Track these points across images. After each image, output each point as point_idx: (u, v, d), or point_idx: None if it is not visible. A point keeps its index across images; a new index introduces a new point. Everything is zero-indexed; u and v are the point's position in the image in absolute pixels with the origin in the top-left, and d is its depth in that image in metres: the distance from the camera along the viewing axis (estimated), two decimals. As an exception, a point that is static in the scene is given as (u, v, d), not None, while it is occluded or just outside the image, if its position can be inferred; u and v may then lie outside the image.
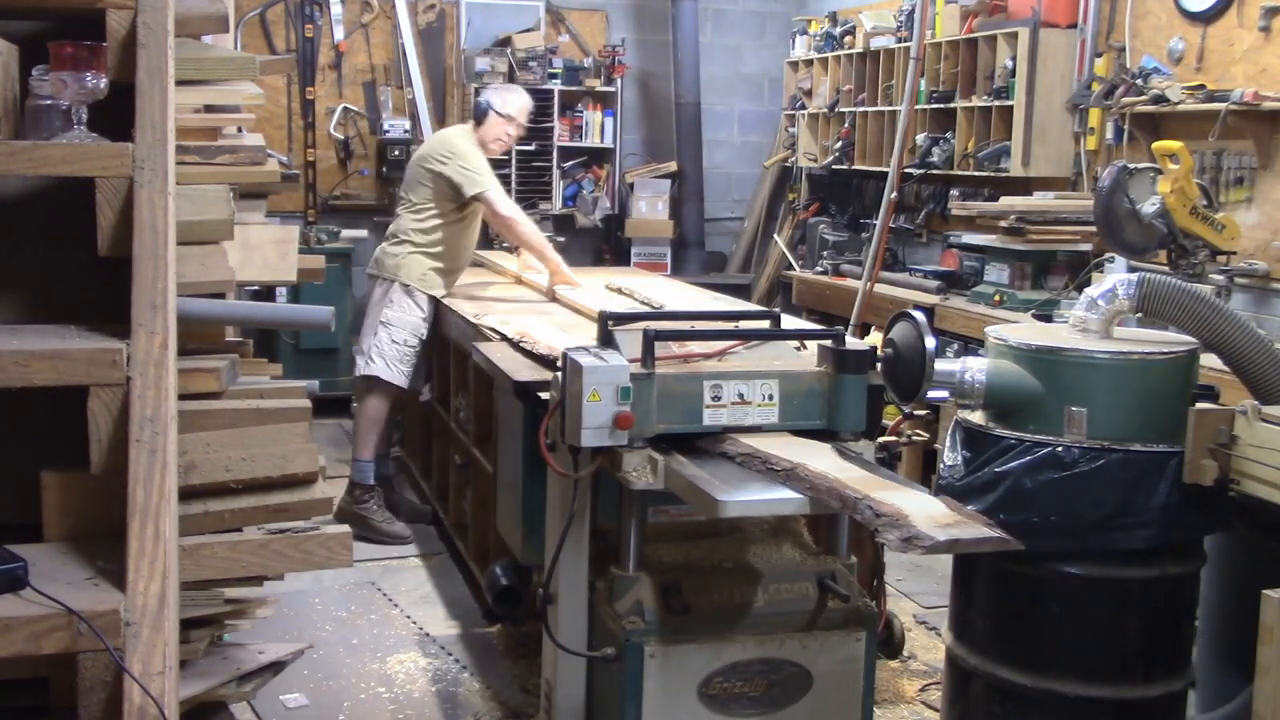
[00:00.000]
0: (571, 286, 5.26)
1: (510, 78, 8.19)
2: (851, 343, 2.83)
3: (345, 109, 8.13)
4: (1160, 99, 5.41)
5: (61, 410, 1.90)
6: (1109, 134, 5.92)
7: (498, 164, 8.10)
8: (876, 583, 3.55)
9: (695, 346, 2.79)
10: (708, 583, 2.74)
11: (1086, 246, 5.81)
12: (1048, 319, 5.22)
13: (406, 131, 7.96)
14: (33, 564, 1.73)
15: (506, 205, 5.22)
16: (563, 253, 5.42)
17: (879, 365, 2.86)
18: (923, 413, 3.68)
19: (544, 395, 3.00)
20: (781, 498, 2.53)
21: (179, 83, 2.21)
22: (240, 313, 2.97)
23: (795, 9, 9.00)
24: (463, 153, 5.17)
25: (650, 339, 2.61)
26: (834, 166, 7.98)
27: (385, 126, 8.06)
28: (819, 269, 7.54)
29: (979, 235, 6.28)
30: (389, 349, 5.18)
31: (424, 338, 5.24)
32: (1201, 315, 2.87)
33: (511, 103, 5.38)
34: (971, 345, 5.50)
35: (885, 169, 6.73)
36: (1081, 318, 2.99)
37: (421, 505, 5.66)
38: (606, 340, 2.75)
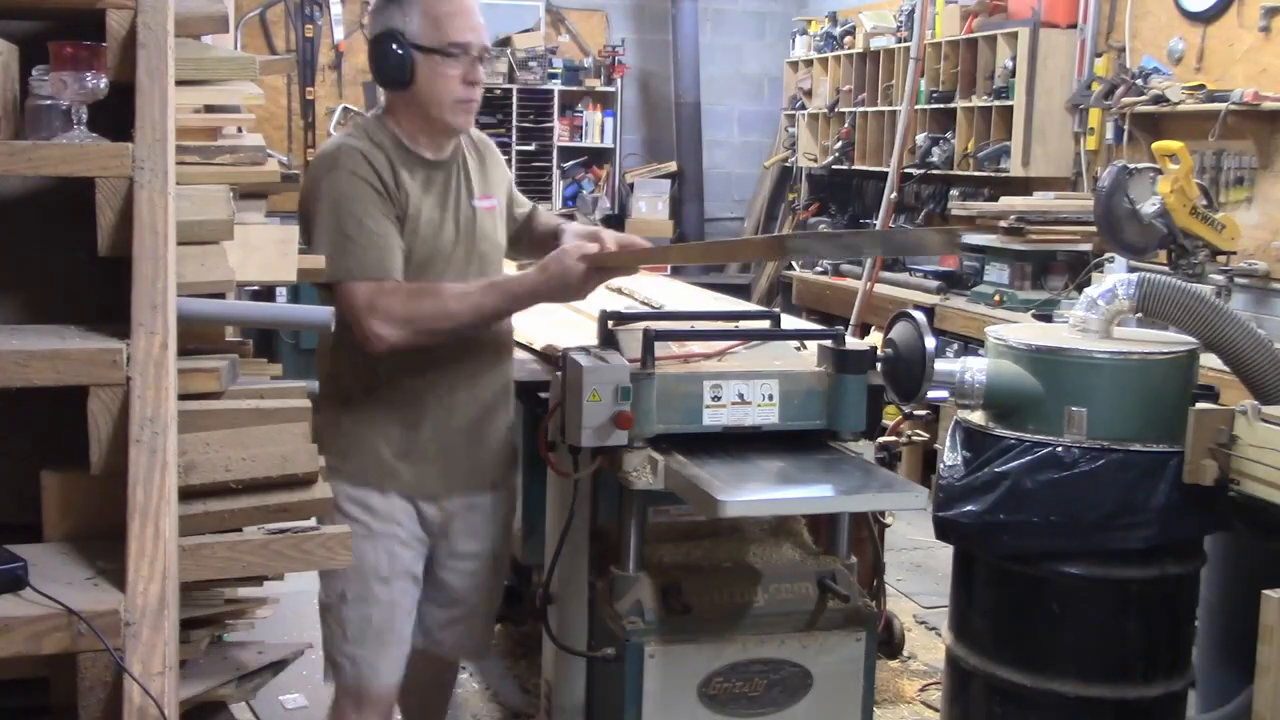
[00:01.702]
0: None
1: (510, 78, 8.20)
2: (851, 343, 2.83)
3: (345, 109, 8.13)
4: (1160, 99, 5.41)
5: (61, 410, 1.90)
6: (1109, 134, 5.92)
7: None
8: (876, 583, 3.55)
9: (695, 346, 2.79)
10: (708, 583, 2.73)
11: (1086, 246, 5.82)
12: (1048, 319, 5.22)
13: (406, 131, 7.96)
14: (33, 564, 1.73)
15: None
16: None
17: (879, 365, 2.86)
18: (923, 413, 3.68)
19: (544, 395, 3.00)
20: (781, 498, 2.53)
21: (179, 83, 2.21)
22: (240, 313, 2.96)
23: (795, 9, 9.01)
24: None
25: (650, 339, 2.61)
26: (834, 166, 7.99)
27: (385, 127, 8.06)
28: (819, 269, 7.54)
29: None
30: None
31: None
32: (1201, 315, 2.88)
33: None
34: (971, 345, 5.50)
35: (885, 169, 6.73)
36: (1081, 318, 2.99)
37: None
38: (606, 340, 2.74)
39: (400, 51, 2.56)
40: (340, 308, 2.52)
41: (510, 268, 2.96)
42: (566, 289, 2.55)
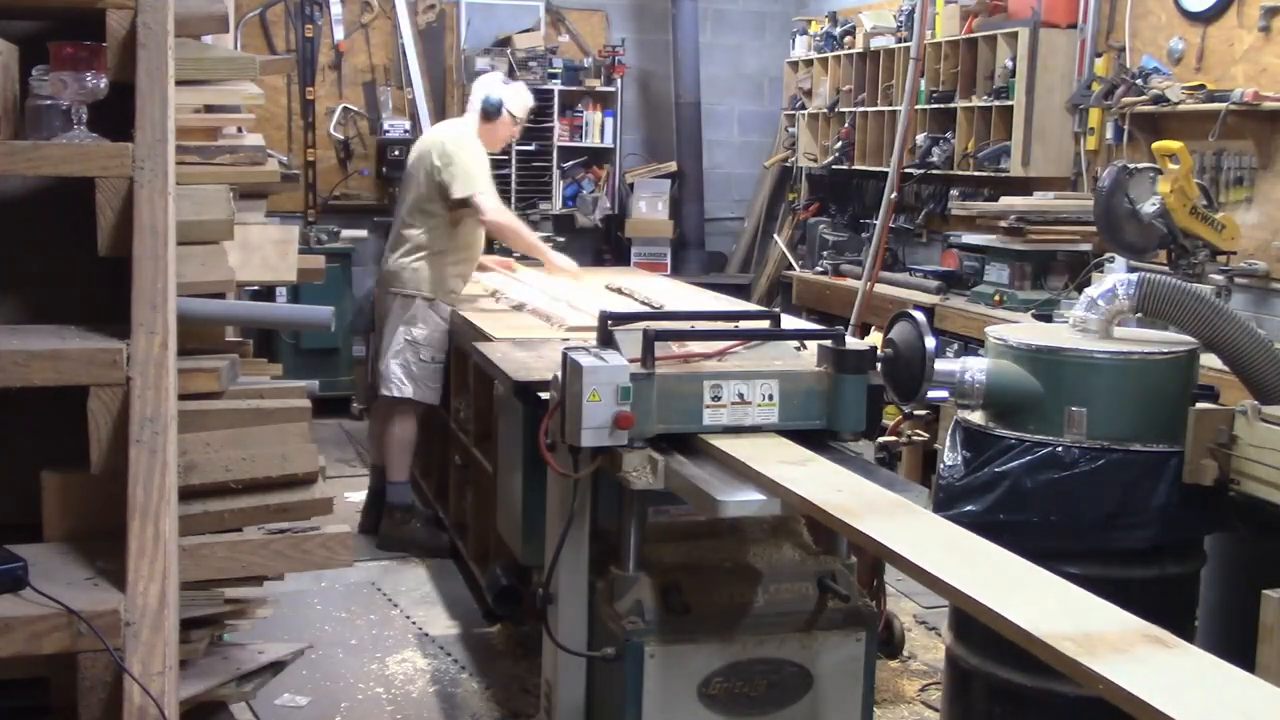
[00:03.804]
0: (573, 278, 5.21)
1: (510, 78, 8.20)
2: (851, 343, 2.83)
3: (345, 109, 8.13)
4: (1160, 99, 5.41)
5: (61, 410, 1.90)
6: (1109, 134, 5.92)
7: (497, 163, 8.16)
8: (876, 583, 3.56)
9: (695, 346, 2.79)
10: (708, 583, 2.74)
11: (1086, 246, 5.82)
12: (1048, 319, 5.22)
13: (406, 131, 7.96)
14: (33, 564, 1.73)
15: (495, 209, 4.99)
16: (563, 253, 5.40)
17: (879, 365, 2.86)
18: (923, 413, 3.68)
19: (544, 395, 3.00)
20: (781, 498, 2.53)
21: (179, 83, 2.21)
22: (240, 313, 2.96)
23: (795, 9, 9.00)
24: (462, 152, 4.95)
25: (650, 339, 2.61)
26: (834, 166, 7.98)
27: (385, 126, 8.06)
28: (819, 269, 7.54)
29: (979, 235, 6.28)
30: (419, 369, 4.95)
31: (448, 349, 5.02)
32: (1201, 315, 2.88)
33: (522, 104, 5.21)
34: (971, 345, 5.50)
35: (885, 169, 6.73)
36: (1081, 318, 2.99)
37: (438, 537, 5.23)
38: (606, 340, 2.75)
39: (498, 106, 5.15)
40: (472, 204, 4.91)
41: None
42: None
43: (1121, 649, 1.54)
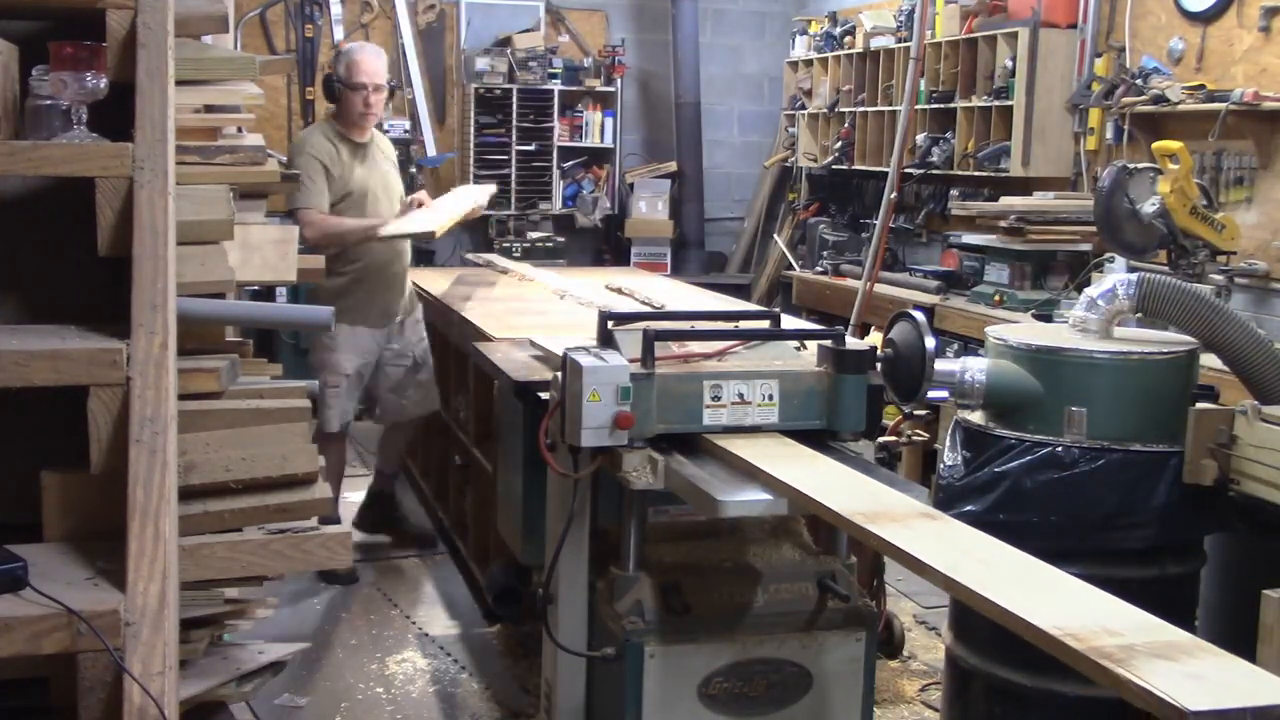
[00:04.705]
0: (425, 206, 4.85)
1: (510, 78, 8.20)
2: (851, 343, 2.83)
3: (345, 109, 8.13)
4: (1160, 99, 5.41)
5: (61, 410, 1.90)
6: (1109, 134, 5.92)
7: (497, 163, 8.19)
8: (876, 583, 3.55)
9: (695, 346, 2.79)
10: (708, 583, 2.74)
11: (1086, 246, 5.82)
12: (1048, 319, 5.22)
13: (407, 131, 7.96)
14: (33, 564, 1.73)
15: (312, 222, 4.54)
16: (563, 253, 5.41)
17: (879, 365, 2.86)
18: (923, 413, 3.68)
19: (544, 395, 3.00)
20: (777, 498, 2.53)
21: (179, 83, 2.21)
22: (240, 313, 2.96)
23: (795, 9, 9.01)
24: (295, 156, 4.65)
25: (650, 339, 2.61)
26: (834, 166, 7.99)
27: (385, 126, 8.04)
28: (819, 269, 7.54)
29: (979, 235, 6.28)
30: (324, 394, 4.73)
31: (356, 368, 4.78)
32: (1201, 315, 2.88)
33: (349, 68, 4.67)
34: (971, 345, 5.50)
35: (885, 169, 6.73)
36: (1081, 318, 2.99)
37: (426, 529, 5.33)
38: (606, 340, 2.75)
39: (333, 85, 4.77)
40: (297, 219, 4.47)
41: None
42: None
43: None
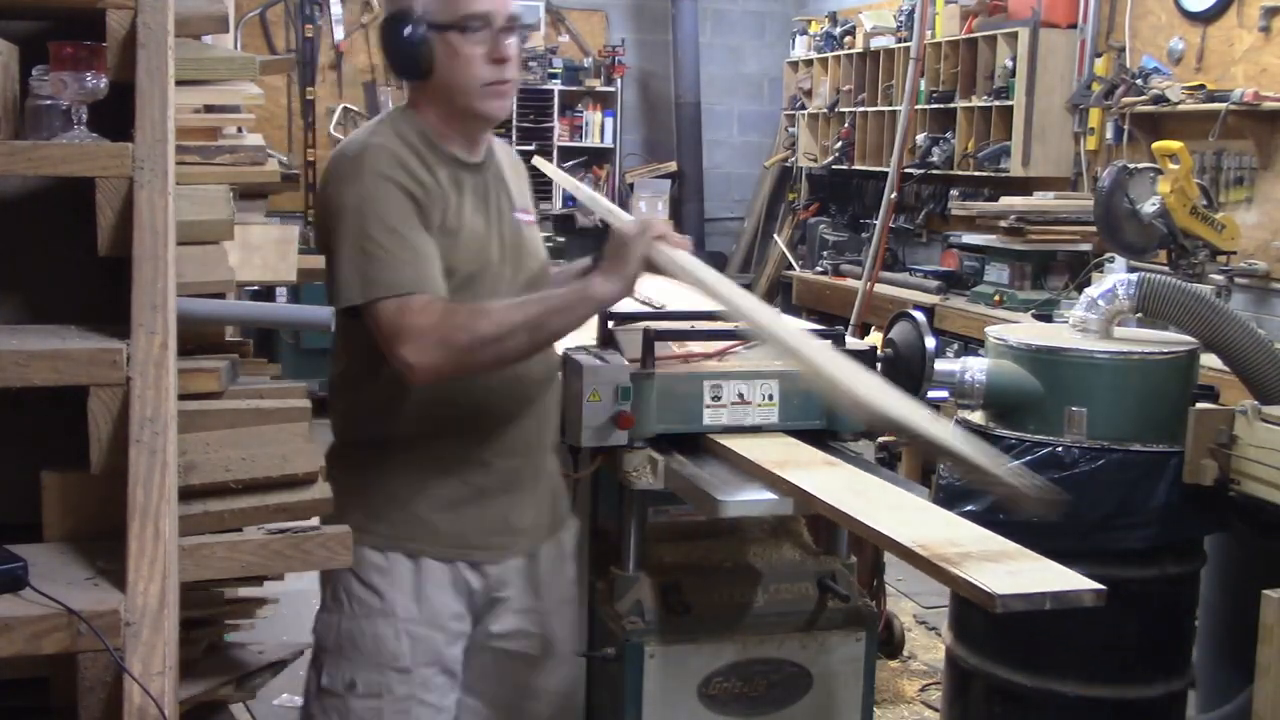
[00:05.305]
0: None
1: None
2: (851, 343, 2.83)
3: (345, 109, 8.13)
4: (1160, 99, 5.41)
5: (61, 410, 1.90)
6: (1109, 134, 5.92)
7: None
8: (876, 583, 3.55)
9: (695, 346, 2.79)
10: (708, 583, 2.73)
11: (1086, 246, 5.82)
12: (1048, 319, 5.22)
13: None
14: (33, 564, 1.72)
15: (433, 325, 2.83)
16: (563, 253, 5.40)
17: (879, 365, 2.86)
18: (923, 413, 3.67)
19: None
20: (782, 498, 2.53)
21: (179, 83, 2.21)
22: (240, 313, 2.96)
23: (795, 9, 9.01)
24: (347, 193, 2.20)
25: (650, 339, 2.61)
26: (834, 166, 7.99)
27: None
28: (819, 269, 7.55)
29: (979, 235, 6.28)
30: None
31: None
32: (1201, 315, 2.88)
33: None
34: (971, 345, 5.50)
35: (885, 169, 6.73)
36: (1081, 318, 2.99)
37: None
38: (606, 340, 2.74)
39: (414, 33, 2.11)
40: (371, 335, 2.09)
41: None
42: (624, 275, 2.22)
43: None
